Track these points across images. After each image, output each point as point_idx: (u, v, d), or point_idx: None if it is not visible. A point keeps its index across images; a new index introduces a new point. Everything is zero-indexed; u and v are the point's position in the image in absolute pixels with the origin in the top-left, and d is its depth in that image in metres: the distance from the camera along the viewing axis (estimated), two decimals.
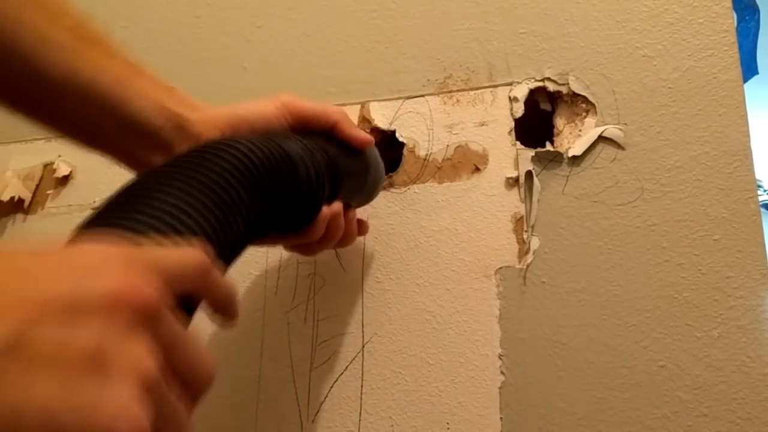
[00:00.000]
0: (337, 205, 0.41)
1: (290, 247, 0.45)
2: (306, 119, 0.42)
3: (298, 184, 0.37)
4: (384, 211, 0.52)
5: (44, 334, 0.18)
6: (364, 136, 0.44)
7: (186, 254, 0.25)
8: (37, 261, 0.20)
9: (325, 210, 0.40)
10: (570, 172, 0.49)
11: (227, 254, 0.31)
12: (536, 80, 0.52)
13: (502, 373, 0.46)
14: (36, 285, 0.19)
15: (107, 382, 0.19)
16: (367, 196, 0.48)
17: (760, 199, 0.48)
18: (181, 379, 0.23)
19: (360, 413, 0.48)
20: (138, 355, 0.20)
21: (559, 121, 0.52)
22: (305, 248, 0.43)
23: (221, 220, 0.30)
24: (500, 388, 0.46)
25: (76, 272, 0.20)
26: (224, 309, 0.28)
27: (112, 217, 0.27)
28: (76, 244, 0.23)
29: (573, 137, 0.50)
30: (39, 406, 0.18)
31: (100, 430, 0.18)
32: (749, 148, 0.46)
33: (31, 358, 0.18)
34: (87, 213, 0.61)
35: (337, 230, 0.42)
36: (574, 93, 0.51)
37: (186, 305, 0.26)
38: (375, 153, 0.47)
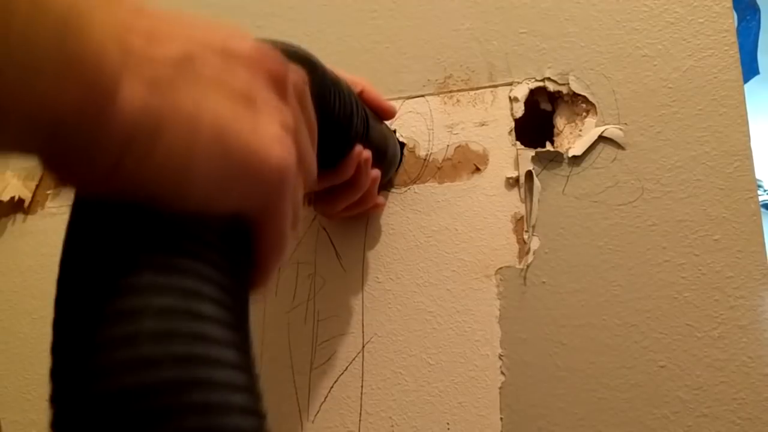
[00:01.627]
0: (368, 152, 0.42)
1: (316, 198, 0.46)
2: None
3: (344, 105, 0.37)
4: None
5: (210, 60, 0.20)
6: (389, 105, 0.46)
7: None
8: (192, 18, 0.22)
9: (358, 148, 0.41)
10: (570, 172, 0.49)
11: None
12: (536, 80, 0.52)
13: (502, 373, 0.46)
14: (197, 28, 0.21)
15: (260, 117, 0.21)
16: (383, 163, 0.48)
17: (761, 199, 0.48)
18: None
19: (360, 413, 0.48)
20: (279, 105, 0.23)
21: (560, 121, 0.52)
22: (331, 199, 0.44)
23: None
24: (500, 388, 0.46)
25: (224, 31, 0.23)
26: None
27: None
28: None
29: (573, 137, 0.50)
30: (211, 119, 0.20)
31: (262, 146, 0.21)
32: (749, 148, 0.46)
33: (200, 76, 0.20)
34: None
35: (365, 178, 0.43)
36: (574, 93, 0.51)
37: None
38: (391, 131, 0.49)
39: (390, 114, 0.46)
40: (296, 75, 0.26)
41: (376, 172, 0.45)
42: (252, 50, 0.22)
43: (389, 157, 0.49)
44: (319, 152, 0.39)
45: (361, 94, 0.43)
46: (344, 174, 0.41)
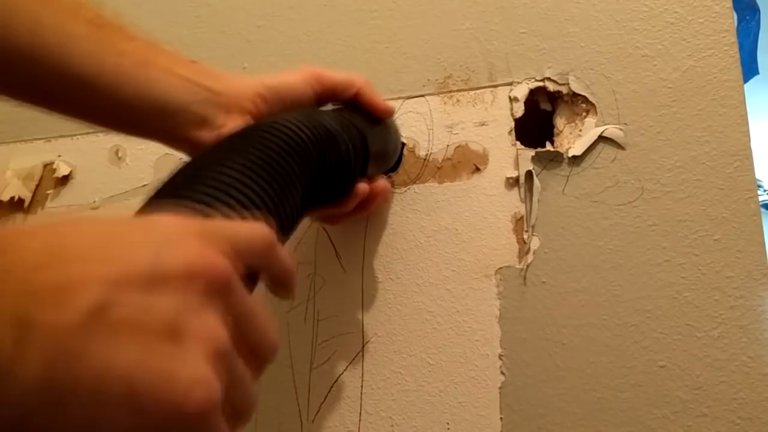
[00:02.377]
0: (374, 185, 0.43)
1: (317, 216, 0.47)
2: (332, 88, 0.42)
3: (340, 159, 0.38)
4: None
5: (126, 301, 0.19)
6: (387, 104, 0.45)
7: (254, 229, 0.25)
8: (116, 231, 0.21)
9: (362, 186, 0.42)
10: (570, 172, 0.49)
11: (286, 227, 0.33)
12: (536, 80, 0.52)
13: (502, 373, 0.46)
14: (117, 255, 0.20)
15: (183, 349, 0.19)
16: (387, 164, 0.49)
17: (761, 199, 0.48)
18: (249, 349, 0.23)
19: (360, 413, 0.48)
20: (212, 325, 0.21)
21: (560, 121, 0.52)
22: (333, 218, 0.45)
23: (280, 194, 0.31)
24: (500, 388, 0.46)
25: (154, 244, 0.21)
26: (285, 284, 0.28)
27: (179, 189, 0.28)
28: (150, 216, 0.24)
29: (573, 137, 0.50)
30: (121, 372, 0.18)
31: (177, 395, 0.19)
32: (749, 148, 0.46)
33: (114, 325, 0.18)
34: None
35: (370, 203, 0.44)
36: (574, 93, 0.51)
37: (251, 278, 0.26)
38: (392, 120, 0.49)
39: (387, 114, 0.46)
40: (250, 256, 0.24)
41: (381, 186, 0.45)
42: (186, 263, 0.21)
43: (390, 153, 0.49)
44: (327, 194, 0.40)
45: (356, 95, 0.43)
46: (346, 209, 0.42)
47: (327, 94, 0.42)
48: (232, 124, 0.38)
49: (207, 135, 0.37)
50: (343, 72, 0.43)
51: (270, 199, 0.30)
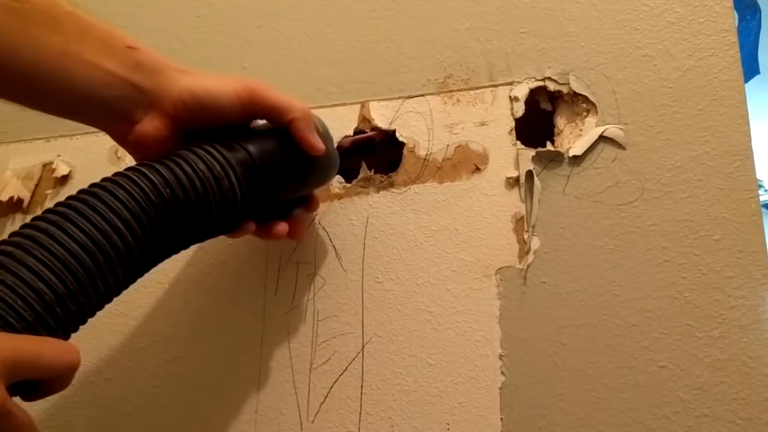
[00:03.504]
0: (252, 225, 0.43)
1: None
2: (265, 111, 0.41)
3: (214, 202, 0.37)
4: (384, 211, 0.52)
5: None
6: (315, 144, 0.42)
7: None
8: None
9: (250, 226, 0.42)
10: (570, 171, 0.49)
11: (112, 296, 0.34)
12: (537, 80, 0.52)
13: (502, 373, 0.46)
14: None
15: None
16: (314, 188, 0.48)
17: (761, 199, 0.48)
18: None
19: (360, 413, 0.48)
20: None
21: (560, 121, 0.52)
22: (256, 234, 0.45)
23: (86, 282, 0.31)
24: (501, 388, 0.46)
25: None
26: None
27: None
28: None
29: (573, 137, 0.50)
30: None
31: None
32: (750, 148, 0.46)
33: None
34: None
35: (269, 236, 0.44)
36: (574, 93, 0.51)
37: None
38: (329, 153, 0.45)
39: (313, 153, 0.42)
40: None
41: (279, 229, 0.44)
42: None
43: (314, 182, 0.46)
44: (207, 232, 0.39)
45: (290, 125, 0.41)
46: (243, 234, 0.43)
47: (258, 113, 0.41)
48: (149, 123, 0.38)
49: (125, 129, 0.38)
50: (284, 96, 0.41)
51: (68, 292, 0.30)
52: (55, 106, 0.37)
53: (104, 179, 0.35)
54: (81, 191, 0.34)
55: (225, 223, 0.39)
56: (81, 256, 0.31)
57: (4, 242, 0.30)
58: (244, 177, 0.39)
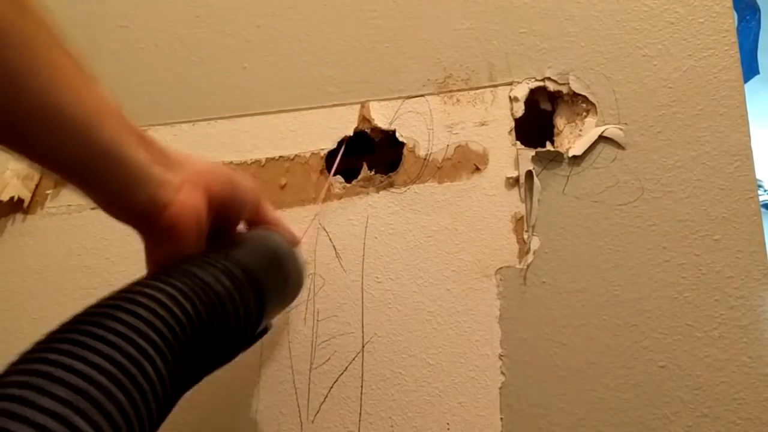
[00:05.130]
0: None
1: None
2: (262, 221, 0.40)
3: (227, 328, 0.32)
4: (384, 211, 0.52)
5: None
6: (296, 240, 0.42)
7: None
8: None
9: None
10: (570, 172, 0.49)
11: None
12: (536, 80, 0.52)
13: (502, 373, 0.46)
14: None
15: None
16: (287, 303, 0.44)
17: (761, 199, 0.48)
18: None
19: (360, 413, 0.48)
20: None
21: (560, 121, 0.52)
22: None
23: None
24: (500, 388, 0.46)
25: None
26: None
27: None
28: None
29: (573, 137, 0.50)
30: None
31: None
32: (750, 148, 0.46)
33: None
34: (86, 213, 0.61)
35: None
36: (574, 93, 0.51)
37: None
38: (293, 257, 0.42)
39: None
40: None
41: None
42: None
43: (289, 295, 0.42)
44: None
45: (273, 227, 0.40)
46: None
47: (255, 222, 0.40)
48: (186, 195, 0.33)
49: (157, 211, 0.33)
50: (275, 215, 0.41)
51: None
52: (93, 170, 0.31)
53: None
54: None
55: (237, 340, 0.34)
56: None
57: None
58: (252, 294, 0.35)
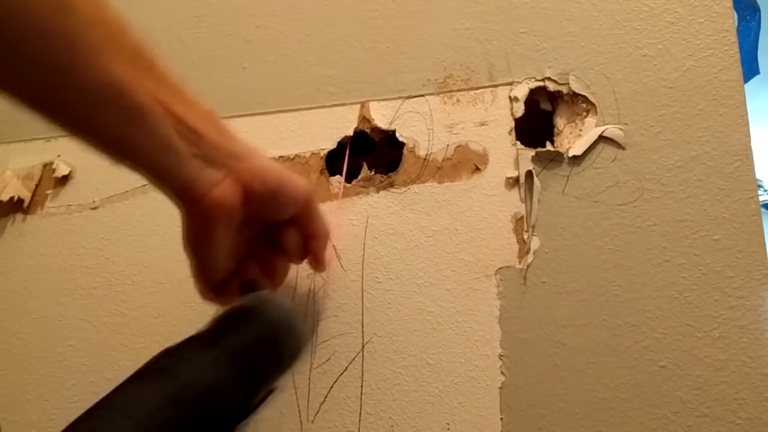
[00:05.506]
0: None
1: None
2: (312, 222, 0.42)
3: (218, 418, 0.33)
4: (384, 211, 0.52)
5: None
6: (325, 264, 0.44)
7: None
8: None
9: None
10: (570, 172, 0.49)
11: None
12: (536, 80, 0.52)
13: (502, 373, 0.46)
14: None
15: None
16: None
17: (761, 199, 0.48)
18: None
19: (360, 413, 0.48)
20: None
21: (560, 121, 0.52)
22: None
23: None
24: (500, 388, 0.46)
25: None
26: None
27: None
28: None
29: (573, 137, 0.50)
30: None
31: None
32: (750, 148, 0.46)
33: None
34: (86, 213, 0.61)
35: None
36: (574, 93, 0.51)
37: None
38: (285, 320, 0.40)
39: (320, 270, 0.45)
40: None
41: None
42: None
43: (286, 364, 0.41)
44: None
45: (314, 240, 0.42)
46: None
47: (305, 222, 0.41)
48: (229, 188, 0.36)
49: (201, 188, 0.35)
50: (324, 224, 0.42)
51: None
52: (136, 153, 0.34)
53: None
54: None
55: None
56: None
57: None
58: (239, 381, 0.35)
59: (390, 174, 0.53)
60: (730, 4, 0.49)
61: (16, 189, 0.61)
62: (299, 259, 0.44)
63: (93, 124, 0.32)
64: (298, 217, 0.41)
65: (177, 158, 0.34)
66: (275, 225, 0.41)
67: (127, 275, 0.56)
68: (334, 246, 0.52)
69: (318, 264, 0.44)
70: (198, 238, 0.37)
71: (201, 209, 0.36)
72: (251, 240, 0.41)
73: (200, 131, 0.35)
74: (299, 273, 0.52)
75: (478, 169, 0.51)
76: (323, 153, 0.55)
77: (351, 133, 0.55)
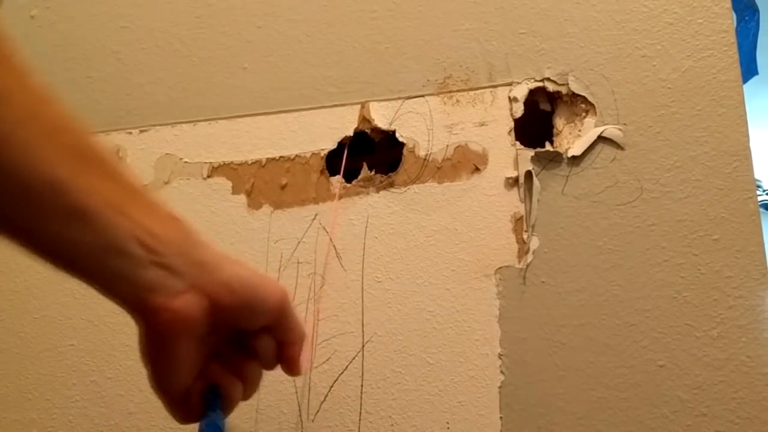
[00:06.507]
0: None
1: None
2: (286, 327, 0.38)
3: None
4: (384, 211, 0.52)
5: None
6: (299, 365, 0.39)
7: None
8: None
9: None
10: (569, 172, 0.49)
11: None
12: (536, 80, 0.52)
13: (501, 372, 0.46)
14: None
15: None
16: None
17: (759, 199, 0.48)
18: None
19: (360, 413, 0.48)
20: None
21: (559, 122, 0.52)
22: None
23: None
24: (500, 387, 0.46)
25: None
26: None
27: None
28: None
29: (572, 137, 0.50)
30: None
31: None
32: (748, 148, 0.46)
33: None
34: None
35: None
36: (573, 93, 0.51)
37: None
38: None
39: (293, 372, 0.40)
40: None
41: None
42: None
43: None
44: None
45: (288, 345, 0.38)
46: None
47: (280, 328, 0.38)
48: (191, 300, 0.33)
49: (160, 302, 0.32)
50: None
51: None
52: (84, 257, 0.31)
53: None
54: None
55: None
56: None
57: None
58: None
59: (390, 174, 0.53)
60: (728, 4, 0.49)
61: None
62: (272, 366, 0.40)
63: (30, 227, 0.30)
64: (273, 324, 0.38)
65: (130, 264, 0.31)
66: (246, 332, 0.38)
67: None
68: (334, 246, 0.52)
69: (293, 370, 0.40)
70: (156, 350, 0.34)
71: (159, 321, 0.33)
72: (219, 346, 0.38)
73: (161, 237, 0.32)
74: (299, 273, 0.53)
75: (477, 169, 0.51)
76: (323, 153, 0.55)
77: (351, 134, 0.55)
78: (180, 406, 0.38)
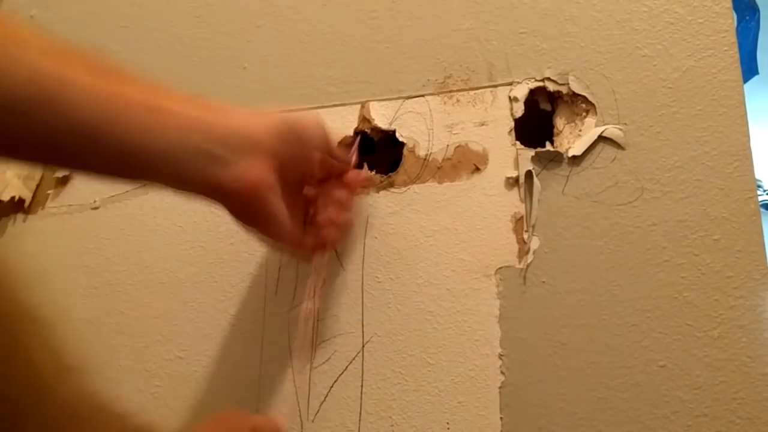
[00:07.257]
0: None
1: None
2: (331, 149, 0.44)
3: None
4: (384, 211, 0.52)
5: None
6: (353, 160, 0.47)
7: None
8: None
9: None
10: (570, 172, 0.49)
11: None
12: (536, 80, 0.52)
13: (502, 372, 0.46)
14: None
15: None
16: None
17: (760, 199, 0.48)
18: None
19: (360, 413, 0.48)
20: None
21: (559, 121, 0.52)
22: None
23: None
24: (500, 387, 0.46)
25: None
26: None
27: None
28: None
29: (573, 137, 0.50)
30: None
31: None
32: (749, 148, 0.46)
33: None
34: (86, 213, 0.61)
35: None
36: (574, 93, 0.51)
37: None
38: None
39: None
40: None
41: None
42: None
43: None
44: None
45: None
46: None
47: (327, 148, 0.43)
48: (253, 164, 0.37)
49: (227, 174, 0.36)
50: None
51: None
52: (147, 162, 0.34)
53: None
54: None
55: None
56: None
57: None
58: None
59: (390, 174, 0.53)
60: (729, 4, 0.49)
61: (17, 189, 0.61)
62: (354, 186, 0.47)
63: (116, 138, 0.33)
64: (324, 147, 0.42)
65: (203, 159, 0.35)
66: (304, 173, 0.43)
67: (127, 275, 0.56)
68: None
69: (366, 181, 0.48)
70: (253, 221, 0.39)
71: (241, 198, 0.37)
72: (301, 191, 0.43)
73: (218, 121, 0.36)
74: (299, 273, 0.53)
75: (477, 169, 0.51)
76: None
77: (351, 133, 0.55)
78: (301, 243, 0.44)
